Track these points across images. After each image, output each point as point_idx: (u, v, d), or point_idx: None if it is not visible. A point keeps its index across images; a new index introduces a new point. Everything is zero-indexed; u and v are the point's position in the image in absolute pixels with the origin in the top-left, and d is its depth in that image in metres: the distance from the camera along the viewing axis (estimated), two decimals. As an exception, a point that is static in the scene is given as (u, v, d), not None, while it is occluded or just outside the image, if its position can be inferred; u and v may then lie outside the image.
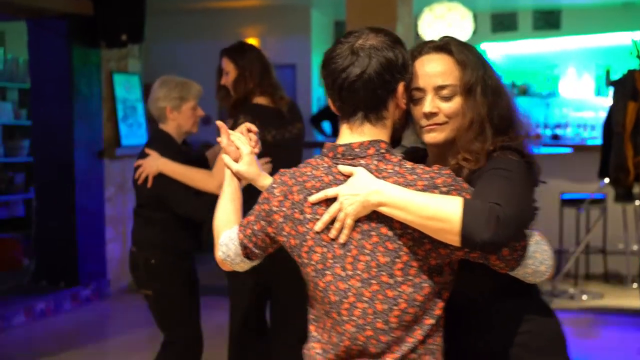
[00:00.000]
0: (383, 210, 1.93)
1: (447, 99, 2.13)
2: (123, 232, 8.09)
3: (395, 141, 2.18)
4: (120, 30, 7.50)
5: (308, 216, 2.04)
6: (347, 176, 1.99)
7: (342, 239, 1.98)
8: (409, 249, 1.95)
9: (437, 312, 2.01)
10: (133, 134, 8.09)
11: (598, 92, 9.86)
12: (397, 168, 1.99)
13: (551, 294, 7.48)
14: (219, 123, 2.43)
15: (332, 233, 2.00)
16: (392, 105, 2.05)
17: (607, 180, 7.15)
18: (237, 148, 2.37)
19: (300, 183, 2.06)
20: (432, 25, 8.13)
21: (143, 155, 4.08)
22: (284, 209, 2.09)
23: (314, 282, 2.07)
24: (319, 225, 2.01)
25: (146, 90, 9.39)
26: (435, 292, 2.00)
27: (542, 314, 2.28)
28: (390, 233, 1.95)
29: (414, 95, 2.14)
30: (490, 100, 2.13)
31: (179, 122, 4.21)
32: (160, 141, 4.18)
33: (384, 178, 1.96)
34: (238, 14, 10.17)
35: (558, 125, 9.87)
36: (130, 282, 8.06)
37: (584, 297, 7.33)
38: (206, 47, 10.33)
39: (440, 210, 1.87)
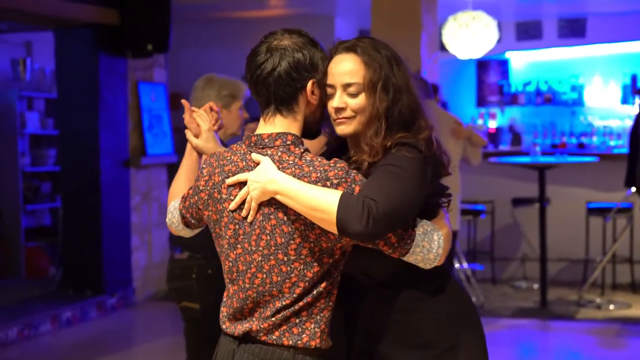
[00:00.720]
0: (278, 197, 2.18)
1: (354, 95, 2.33)
2: (148, 241, 8.12)
3: (314, 133, 2.40)
4: (146, 40, 7.54)
5: (224, 196, 2.30)
6: (257, 163, 2.24)
7: (249, 219, 2.25)
8: (302, 233, 2.20)
9: (323, 285, 2.25)
10: (158, 143, 8.13)
11: (624, 100, 9.79)
12: (297, 160, 2.23)
13: (578, 303, 7.44)
14: (184, 101, 2.70)
15: (243, 213, 2.26)
16: (302, 101, 2.29)
17: (633, 189, 7.10)
18: (198, 125, 2.65)
19: (221, 166, 2.33)
20: (456, 33, 8.11)
21: None
22: (208, 187, 2.35)
23: (226, 253, 2.33)
24: (232, 205, 2.28)
25: (172, 100, 9.42)
26: (324, 271, 2.24)
27: (444, 294, 2.44)
28: (285, 218, 2.21)
29: (327, 91, 2.35)
30: (391, 98, 2.32)
31: (226, 122, 3.90)
32: None
33: (283, 169, 2.20)
34: (263, 23, 10.19)
35: (584, 134, 9.81)
36: (157, 291, 8.08)
37: (611, 306, 7.28)
38: (231, 56, 10.36)
39: (322, 203, 2.11)
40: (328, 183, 2.17)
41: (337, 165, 2.21)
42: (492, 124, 10.27)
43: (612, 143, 9.53)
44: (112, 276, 7.64)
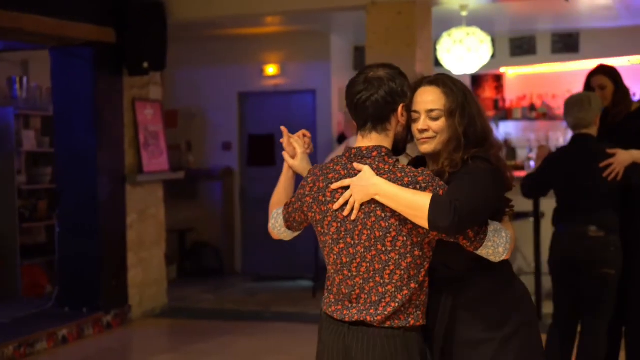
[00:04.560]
0: (378, 198, 2.69)
1: (435, 119, 2.86)
2: (145, 258, 8.13)
3: (400, 150, 2.89)
4: (143, 58, 7.58)
5: (328, 199, 2.81)
6: (358, 171, 2.75)
7: (353, 216, 2.75)
8: (396, 227, 2.70)
9: (420, 278, 2.75)
10: (154, 160, 8.15)
11: (618, 115, 9.84)
12: (391, 168, 2.74)
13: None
14: (283, 128, 3.18)
15: (346, 212, 2.76)
16: (394, 120, 2.81)
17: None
18: (295, 148, 3.14)
19: (325, 174, 2.84)
20: (450, 49, 8.16)
21: (605, 155, 4.72)
22: (312, 192, 2.85)
23: (331, 247, 2.82)
24: (336, 205, 2.78)
25: (168, 117, 9.43)
26: (416, 263, 2.73)
27: (509, 285, 2.97)
28: (383, 215, 2.71)
29: (413, 116, 2.88)
30: (467, 122, 2.84)
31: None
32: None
33: (380, 175, 2.71)
34: (258, 41, 10.23)
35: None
36: (153, 308, 8.08)
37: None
38: (227, 73, 10.41)
39: (416, 202, 2.63)
40: (418, 186, 2.68)
41: (424, 172, 2.73)
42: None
43: (607, 157, 9.55)
44: (109, 294, 7.64)
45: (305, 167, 3.11)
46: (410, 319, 2.75)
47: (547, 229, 8.00)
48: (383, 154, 2.76)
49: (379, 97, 2.74)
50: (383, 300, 2.73)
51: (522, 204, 8.04)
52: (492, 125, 2.97)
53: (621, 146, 4.82)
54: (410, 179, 2.69)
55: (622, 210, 4.91)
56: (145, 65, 7.62)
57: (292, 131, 3.22)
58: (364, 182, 2.70)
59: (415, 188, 2.67)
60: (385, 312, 2.72)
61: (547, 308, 7.66)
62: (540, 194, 5.25)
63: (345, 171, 2.79)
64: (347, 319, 2.78)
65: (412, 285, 2.73)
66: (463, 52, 8.11)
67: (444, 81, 2.89)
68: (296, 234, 3.06)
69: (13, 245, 8.36)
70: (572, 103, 4.92)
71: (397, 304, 2.72)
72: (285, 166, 3.16)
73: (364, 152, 2.78)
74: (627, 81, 5.27)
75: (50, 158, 8.78)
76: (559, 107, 10.29)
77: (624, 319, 5.07)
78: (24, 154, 8.74)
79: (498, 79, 10.68)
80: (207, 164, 10.59)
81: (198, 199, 10.69)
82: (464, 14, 8.28)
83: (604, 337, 4.90)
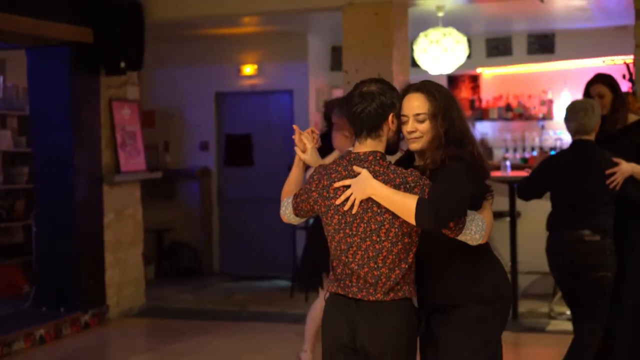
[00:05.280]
0: (373, 197, 3.17)
1: (421, 122, 3.29)
2: (122, 258, 8.12)
3: (393, 151, 3.35)
4: (120, 58, 7.57)
5: (331, 195, 3.28)
6: (358, 173, 3.21)
7: (353, 211, 3.21)
8: (390, 221, 3.20)
9: (409, 260, 3.25)
10: (132, 160, 8.14)
11: (592, 115, 9.91)
12: (385, 170, 3.22)
13: (549, 316, 7.52)
14: (295, 126, 3.62)
15: (347, 207, 3.22)
16: (385, 128, 3.28)
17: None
18: (305, 143, 3.58)
19: (329, 174, 3.31)
20: (427, 50, 8.21)
21: (607, 162, 4.87)
22: (318, 189, 3.33)
23: (332, 236, 3.31)
24: (338, 201, 3.24)
25: (145, 117, 9.39)
26: (406, 248, 3.24)
27: (486, 266, 3.42)
28: (378, 210, 3.20)
29: (402, 120, 3.32)
30: (448, 124, 3.27)
31: None
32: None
33: (376, 177, 3.19)
34: (236, 41, 10.23)
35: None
36: (131, 308, 8.08)
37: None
38: (205, 73, 10.41)
39: (405, 204, 3.11)
40: (407, 185, 3.16)
41: (413, 173, 3.21)
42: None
43: (581, 157, 9.62)
44: (86, 293, 7.63)
45: (315, 159, 3.58)
46: (406, 294, 3.25)
47: (523, 228, 8.08)
48: (378, 157, 3.24)
49: (372, 109, 3.22)
50: (379, 281, 3.21)
51: (499, 203, 8.10)
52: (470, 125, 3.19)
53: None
54: (401, 180, 3.18)
55: (616, 215, 4.97)
56: (123, 65, 7.61)
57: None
58: (362, 182, 3.17)
59: (405, 187, 3.15)
60: (383, 290, 3.20)
61: (523, 307, 7.73)
62: (537, 194, 5.27)
63: (346, 172, 3.26)
64: (350, 296, 3.25)
65: (403, 266, 3.22)
66: (439, 52, 8.17)
67: (428, 88, 3.32)
68: (303, 220, 3.54)
69: (-11, 245, 8.33)
70: (577, 109, 4.97)
71: (391, 283, 3.20)
72: (297, 159, 3.61)
73: (362, 157, 3.25)
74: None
75: (27, 158, 8.76)
76: (534, 107, 10.39)
77: (620, 320, 5.12)
78: (0, 154, 8.70)
79: (474, 79, 10.75)
80: (184, 164, 10.59)
81: (176, 199, 10.68)
82: (441, 14, 8.34)
83: (597, 339, 4.97)
